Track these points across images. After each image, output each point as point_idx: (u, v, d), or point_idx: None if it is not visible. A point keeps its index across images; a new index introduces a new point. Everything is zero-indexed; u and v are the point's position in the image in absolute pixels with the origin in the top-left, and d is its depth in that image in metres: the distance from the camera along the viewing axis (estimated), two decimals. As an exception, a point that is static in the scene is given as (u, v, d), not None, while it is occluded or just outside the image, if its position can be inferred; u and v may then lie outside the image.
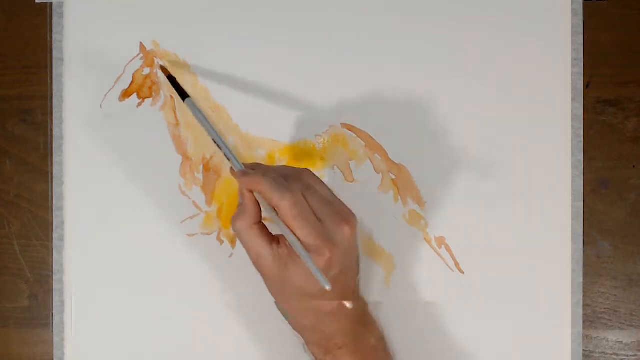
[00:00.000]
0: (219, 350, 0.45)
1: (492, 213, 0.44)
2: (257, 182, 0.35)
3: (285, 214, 0.35)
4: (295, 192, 0.35)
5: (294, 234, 0.35)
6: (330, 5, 0.45)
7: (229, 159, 0.38)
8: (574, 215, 0.44)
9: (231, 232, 0.36)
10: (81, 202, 0.46)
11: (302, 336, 0.39)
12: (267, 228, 0.37)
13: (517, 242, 0.44)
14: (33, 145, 0.47)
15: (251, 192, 0.36)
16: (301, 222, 0.34)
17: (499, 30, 0.45)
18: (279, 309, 0.39)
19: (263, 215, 0.37)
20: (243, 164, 0.38)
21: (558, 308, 0.44)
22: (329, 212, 0.36)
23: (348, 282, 0.37)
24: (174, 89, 0.43)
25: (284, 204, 0.34)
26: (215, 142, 0.39)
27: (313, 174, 0.38)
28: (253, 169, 0.38)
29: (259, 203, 0.37)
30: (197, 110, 0.41)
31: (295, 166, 0.45)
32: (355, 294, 0.38)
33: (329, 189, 0.38)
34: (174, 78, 0.44)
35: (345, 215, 0.37)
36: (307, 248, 0.34)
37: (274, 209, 0.35)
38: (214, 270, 0.45)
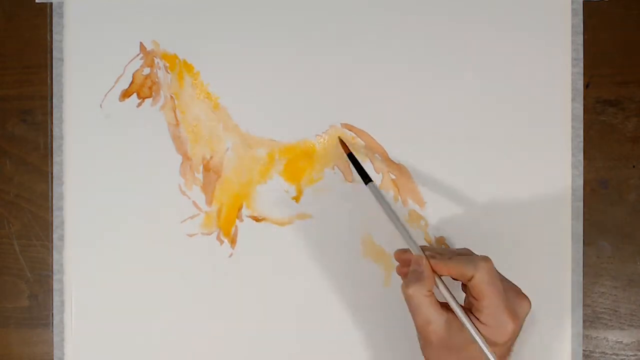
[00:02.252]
0: (219, 350, 0.45)
1: (492, 213, 0.44)
2: (446, 262, 0.36)
3: (481, 281, 0.35)
4: (488, 260, 0.36)
5: (484, 302, 0.35)
6: (330, 5, 0.45)
7: (408, 244, 0.39)
8: (574, 215, 0.44)
9: (403, 295, 0.37)
10: (81, 202, 0.46)
11: None
12: (435, 297, 0.37)
13: (517, 242, 0.44)
14: (33, 145, 0.47)
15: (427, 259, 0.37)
16: (494, 291, 0.35)
17: (499, 30, 0.45)
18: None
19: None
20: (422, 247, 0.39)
21: (558, 308, 0.44)
22: (507, 286, 0.37)
23: (509, 352, 0.37)
24: (354, 168, 0.42)
25: (480, 272, 0.35)
26: (397, 229, 0.39)
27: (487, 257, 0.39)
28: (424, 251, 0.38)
29: (433, 271, 0.37)
30: (379, 196, 0.41)
31: (296, 167, 0.45)
32: None
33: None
34: (355, 158, 0.43)
35: (520, 290, 0.37)
36: (495, 318, 0.35)
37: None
38: (214, 270, 0.45)
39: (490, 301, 0.35)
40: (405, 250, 0.39)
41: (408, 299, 0.36)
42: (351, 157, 0.43)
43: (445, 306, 0.36)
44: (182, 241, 0.45)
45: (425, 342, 0.37)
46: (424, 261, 0.37)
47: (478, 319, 0.35)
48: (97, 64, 0.46)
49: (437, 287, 0.36)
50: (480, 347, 0.34)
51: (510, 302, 0.35)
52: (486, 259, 0.36)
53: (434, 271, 0.37)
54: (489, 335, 0.35)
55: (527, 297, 0.37)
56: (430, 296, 0.36)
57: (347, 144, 0.44)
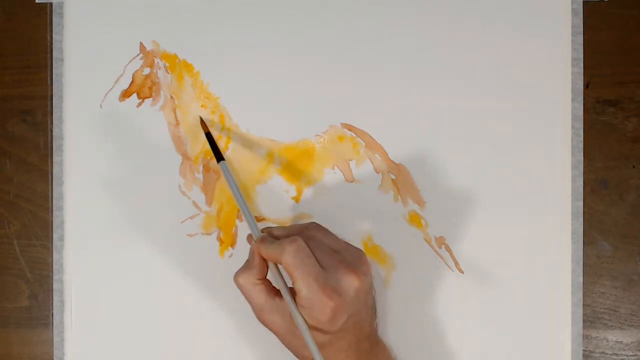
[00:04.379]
0: (218, 350, 0.45)
1: (492, 213, 0.44)
2: (265, 249, 0.37)
3: (288, 266, 0.35)
4: (297, 242, 0.35)
5: (296, 285, 0.35)
6: (330, 5, 0.45)
7: (249, 227, 0.39)
8: (574, 215, 0.44)
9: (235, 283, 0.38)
10: (81, 202, 0.46)
11: None
12: (271, 284, 0.38)
13: (517, 242, 0.44)
14: (33, 145, 0.47)
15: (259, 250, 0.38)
16: (302, 272, 0.35)
17: (499, 31, 0.45)
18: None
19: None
20: (262, 229, 0.40)
21: (558, 308, 0.44)
22: (334, 262, 0.36)
23: (362, 328, 0.37)
24: (210, 146, 0.43)
25: (285, 257, 0.35)
26: (240, 208, 0.40)
27: (319, 225, 0.39)
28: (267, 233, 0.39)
29: (266, 261, 0.38)
30: (229, 175, 0.41)
31: (296, 167, 0.45)
32: (371, 339, 0.38)
33: (336, 238, 0.38)
34: (212, 137, 0.44)
35: (353, 264, 0.36)
36: (308, 299, 0.35)
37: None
38: (214, 270, 0.45)
39: (299, 283, 0.35)
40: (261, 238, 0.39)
41: (239, 288, 0.37)
42: (208, 136, 0.43)
43: (277, 292, 0.37)
44: (182, 241, 0.45)
45: (268, 328, 0.37)
46: (254, 249, 0.37)
47: (297, 303, 0.35)
48: (97, 64, 0.46)
49: (271, 272, 0.37)
50: (301, 333, 0.34)
51: (329, 279, 0.35)
52: (294, 239, 0.35)
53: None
54: (309, 317, 0.35)
55: (354, 270, 0.35)
56: (260, 284, 0.37)
57: (206, 123, 0.44)
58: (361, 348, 0.37)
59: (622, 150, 0.45)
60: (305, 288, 0.35)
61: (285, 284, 0.37)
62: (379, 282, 0.45)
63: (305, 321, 0.35)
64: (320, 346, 0.35)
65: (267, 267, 0.38)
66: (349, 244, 0.39)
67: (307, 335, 0.35)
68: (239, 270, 0.38)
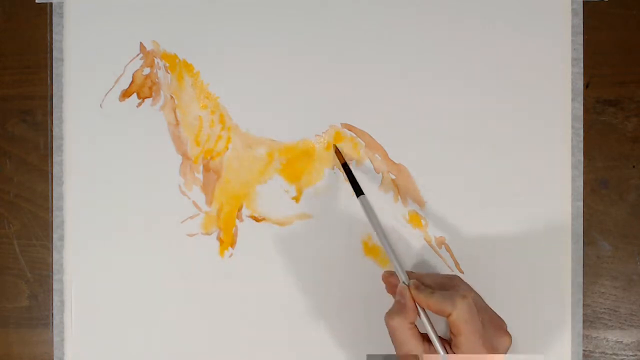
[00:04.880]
0: (218, 350, 0.45)
1: (492, 213, 0.44)
2: (427, 299, 0.37)
3: (458, 320, 0.36)
4: (467, 297, 0.36)
5: (461, 338, 0.36)
6: (330, 5, 0.45)
7: (395, 269, 0.39)
8: (574, 215, 0.44)
9: (388, 327, 0.38)
10: (81, 202, 0.46)
11: None
12: (417, 329, 0.38)
13: (517, 242, 0.44)
14: (33, 145, 0.47)
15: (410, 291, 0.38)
16: (471, 328, 0.36)
17: (499, 31, 0.45)
18: None
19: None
20: (408, 273, 0.40)
21: (558, 308, 0.44)
22: (488, 317, 0.37)
23: None
24: (348, 181, 0.43)
25: (458, 312, 0.36)
26: (386, 251, 0.40)
27: (462, 279, 0.40)
28: (409, 277, 0.39)
29: (416, 304, 0.38)
30: (371, 211, 0.41)
31: (296, 167, 0.45)
32: None
33: (477, 294, 0.39)
34: (350, 170, 0.43)
35: (503, 324, 0.38)
36: (470, 351, 0.36)
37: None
38: (214, 270, 0.45)
39: (466, 338, 0.36)
40: (392, 273, 0.40)
41: (390, 330, 0.38)
42: (345, 167, 0.43)
43: (426, 338, 0.37)
44: (182, 241, 0.45)
45: None
46: (408, 293, 0.38)
47: (455, 354, 0.36)
48: (97, 64, 0.46)
49: (420, 318, 0.38)
50: None
51: (489, 337, 0.36)
52: (465, 296, 0.36)
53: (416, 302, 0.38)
54: None
55: (507, 332, 0.38)
56: (412, 328, 0.37)
57: (342, 153, 0.44)
58: None
59: (622, 150, 0.45)
60: (471, 343, 0.36)
61: (436, 331, 0.37)
62: (379, 282, 0.44)
63: None
64: None
65: (418, 311, 0.38)
66: (487, 305, 0.39)
67: None
68: (391, 313, 0.38)
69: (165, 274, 0.45)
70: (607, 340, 0.44)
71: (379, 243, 0.45)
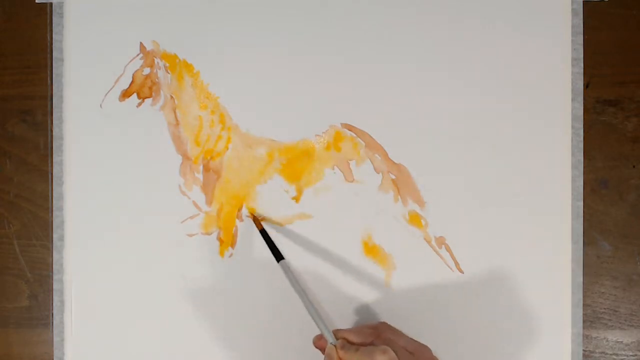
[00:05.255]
0: (218, 350, 0.45)
1: (492, 213, 0.44)
2: (350, 357, 0.37)
3: None
4: (388, 353, 0.36)
5: None
6: (330, 5, 0.45)
7: (321, 331, 0.39)
8: (574, 215, 0.44)
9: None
10: (81, 202, 0.46)
11: None
12: None
13: (517, 242, 0.44)
14: (33, 145, 0.47)
15: (338, 350, 0.38)
16: None
17: (498, 31, 0.45)
18: None
19: None
20: (334, 331, 0.39)
21: (558, 308, 0.44)
22: None
23: None
24: (267, 245, 0.43)
25: None
26: (309, 312, 0.40)
27: (389, 325, 0.40)
28: (336, 336, 0.39)
29: None
30: (291, 275, 0.42)
31: (296, 167, 0.45)
32: None
33: (407, 338, 0.39)
34: (267, 235, 0.44)
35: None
36: None
37: None
38: (214, 270, 0.45)
39: None
40: (321, 336, 0.40)
41: None
42: (263, 233, 0.44)
43: None
44: (182, 241, 0.45)
45: None
46: (335, 354, 0.38)
47: None
48: (97, 64, 0.46)
49: None
50: None
51: None
52: (385, 350, 0.36)
53: None
54: None
55: None
56: None
57: (259, 220, 0.44)
58: None
59: (622, 150, 0.45)
60: None
61: None
62: (379, 282, 0.45)
63: None
64: None
65: None
66: (417, 342, 0.39)
67: None
68: None
69: (165, 274, 0.45)
70: (607, 340, 0.44)
71: (379, 241, 0.45)
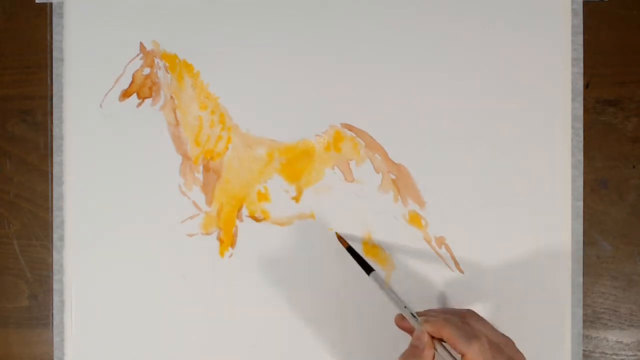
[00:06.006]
0: (218, 350, 0.45)
1: (492, 213, 0.44)
2: (442, 327, 0.37)
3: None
4: (481, 339, 0.36)
5: None
6: (330, 5, 0.45)
7: (409, 319, 0.39)
8: (574, 215, 0.44)
9: None
10: (81, 202, 0.46)
11: None
12: None
13: (517, 242, 0.44)
14: (33, 145, 0.47)
15: (431, 337, 0.37)
16: None
17: (499, 31, 0.45)
18: None
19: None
20: (417, 313, 0.39)
21: (558, 308, 0.44)
22: (503, 358, 0.36)
23: None
24: (355, 260, 0.43)
25: (473, 351, 0.35)
26: (413, 324, 0.39)
27: (475, 314, 0.39)
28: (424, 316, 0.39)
29: (434, 349, 0.37)
30: (383, 285, 0.41)
31: (296, 167, 0.45)
32: None
33: (492, 328, 0.38)
34: (355, 250, 0.43)
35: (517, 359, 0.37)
36: None
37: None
38: (214, 270, 0.45)
39: None
40: (404, 317, 0.39)
41: None
42: (350, 250, 0.43)
43: None
44: (182, 241, 0.45)
45: None
46: (426, 339, 0.37)
47: None
48: (97, 64, 0.46)
49: (437, 351, 0.37)
50: None
51: None
52: (479, 337, 0.36)
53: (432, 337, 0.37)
54: None
55: None
56: None
57: (344, 238, 0.44)
58: None
59: (622, 150, 0.45)
60: None
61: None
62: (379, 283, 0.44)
63: None
64: None
65: (434, 356, 0.37)
66: (502, 334, 0.38)
67: None
68: (406, 357, 0.37)
69: (165, 274, 0.45)
70: (607, 340, 0.44)
71: (379, 241, 0.45)
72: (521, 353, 0.38)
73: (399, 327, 0.40)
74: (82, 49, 0.46)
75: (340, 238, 0.44)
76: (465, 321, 0.38)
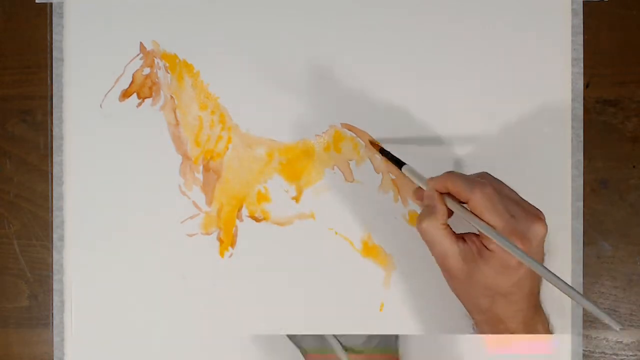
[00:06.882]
0: (218, 349, 0.45)
1: (492, 213, 0.44)
2: (446, 179, 0.36)
3: (478, 206, 0.34)
4: (486, 185, 0.35)
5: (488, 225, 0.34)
6: (330, 5, 0.45)
7: (420, 184, 0.39)
8: (574, 215, 0.44)
9: (418, 228, 0.36)
10: (81, 202, 0.46)
11: (474, 317, 0.38)
12: (451, 228, 0.37)
13: (517, 242, 0.44)
14: (33, 145, 0.47)
15: (439, 193, 0.36)
16: (494, 214, 0.34)
17: (499, 31, 0.45)
18: (451, 288, 0.38)
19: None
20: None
21: (558, 308, 0.44)
22: (519, 209, 0.35)
23: (533, 281, 0.36)
24: (389, 160, 0.43)
25: (476, 196, 0.34)
26: (410, 175, 0.39)
27: (492, 176, 0.38)
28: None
29: (446, 204, 0.36)
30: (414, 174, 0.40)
31: (296, 167, 0.45)
32: (537, 297, 0.38)
33: (510, 189, 0.37)
34: (386, 150, 0.43)
35: (537, 213, 0.36)
36: (497, 244, 0.34)
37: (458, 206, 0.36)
38: (214, 270, 0.45)
39: (493, 225, 0.34)
40: (420, 188, 0.39)
41: (422, 233, 0.36)
42: (383, 151, 0.43)
43: (460, 237, 0.36)
44: (182, 241, 0.45)
45: (447, 274, 0.37)
46: (436, 194, 0.36)
47: (485, 246, 0.35)
48: (97, 64, 0.46)
49: (449, 207, 0.36)
50: (523, 260, 0.33)
51: (518, 224, 0.34)
52: (484, 184, 0.35)
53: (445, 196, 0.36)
54: (496, 261, 0.34)
55: (542, 220, 0.35)
56: (444, 229, 0.36)
57: (376, 142, 0.44)
58: (530, 304, 0.36)
59: (622, 150, 0.45)
60: (497, 227, 0.34)
61: (481, 220, 0.35)
62: (379, 282, 0.44)
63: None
64: (499, 295, 0.35)
65: (447, 211, 0.36)
66: (521, 197, 0.37)
67: (510, 247, 0.33)
68: (421, 216, 0.36)
69: (165, 274, 0.45)
70: (607, 340, 0.44)
71: (379, 241, 0.45)
72: (540, 211, 0.36)
73: (415, 197, 0.40)
74: (82, 49, 0.46)
75: (373, 143, 0.44)
76: (478, 176, 0.37)
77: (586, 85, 0.45)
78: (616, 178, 0.45)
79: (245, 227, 0.45)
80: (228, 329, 0.45)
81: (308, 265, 0.45)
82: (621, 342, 0.44)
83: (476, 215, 0.35)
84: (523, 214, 0.35)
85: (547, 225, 0.35)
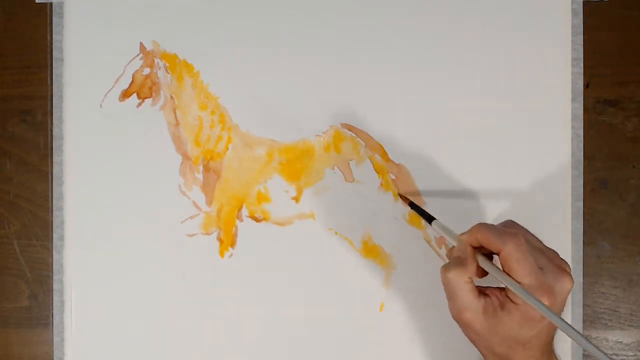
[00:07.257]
0: (218, 350, 0.45)
1: (492, 213, 0.44)
2: (476, 231, 0.36)
3: (509, 257, 0.34)
4: (517, 236, 0.35)
5: (516, 280, 0.34)
6: (330, 5, 0.45)
7: (444, 235, 0.39)
8: (574, 215, 0.44)
9: (446, 278, 0.36)
10: (81, 202, 0.46)
11: (487, 358, 0.38)
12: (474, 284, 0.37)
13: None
14: (33, 145, 0.47)
15: (472, 247, 0.36)
16: (524, 267, 0.34)
17: (499, 31, 0.45)
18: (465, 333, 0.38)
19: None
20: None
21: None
22: (547, 261, 0.35)
23: (551, 332, 0.36)
24: (419, 214, 0.43)
25: (508, 247, 0.34)
26: (443, 232, 0.39)
27: (518, 224, 0.38)
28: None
29: (477, 260, 0.36)
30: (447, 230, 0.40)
31: (296, 167, 0.45)
32: (552, 346, 0.38)
33: (537, 238, 0.37)
34: (416, 205, 0.43)
35: (564, 266, 0.36)
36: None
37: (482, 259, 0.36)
38: (214, 270, 0.45)
39: (519, 278, 0.34)
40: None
41: (447, 283, 0.36)
42: (413, 205, 0.43)
43: (482, 291, 0.36)
44: (182, 241, 0.45)
45: (465, 327, 0.37)
46: (470, 250, 0.36)
47: (510, 299, 0.35)
48: (97, 64, 0.46)
49: (479, 264, 0.36)
50: (547, 316, 0.33)
51: (545, 278, 0.34)
52: (515, 234, 0.35)
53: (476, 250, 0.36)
54: (523, 313, 0.34)
55: (568, 274, 0.35)
56: (470, 283, 0.36)
57: (406, 196, 0.44)
58: (545, 349, 0.37)
59: (622, 150, 0.45)
60: (526, 283, 0.34)
61: (508, 275, 0.35)
62: (379, 282, 0.44)
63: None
64: (519, 344, 0.35)
65: (478, 266, 0.37)
66: (546, 246, 0.37)
67: (532, 299, 0.33)
68: (449, 266, 0.36)
69: (165, 274, 0.45)
70: (607, 340, 0.44)
71: (379, 241, 0.45)
72: (566, 262, 0.36)
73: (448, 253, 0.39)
74: (82, 49, 0.46)
75: (403, 197, 0.44)
76: (506, 226, 0.37)
77: (586, 85, 0.45)
78: (616, 178, 0.45)
79: (245, 227, 0.45)
80: (228, 329, 0.45)
81: (308, 265, 0.45)
82: (621, 342, 0.44)
83: (504, 271, 0.35)
84: (550, 266, 0.35)
85: (573, 279, 0.35)
